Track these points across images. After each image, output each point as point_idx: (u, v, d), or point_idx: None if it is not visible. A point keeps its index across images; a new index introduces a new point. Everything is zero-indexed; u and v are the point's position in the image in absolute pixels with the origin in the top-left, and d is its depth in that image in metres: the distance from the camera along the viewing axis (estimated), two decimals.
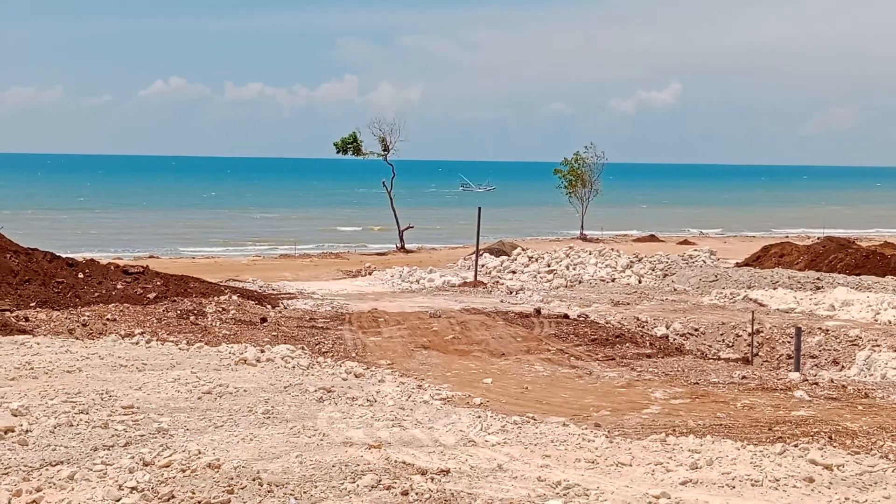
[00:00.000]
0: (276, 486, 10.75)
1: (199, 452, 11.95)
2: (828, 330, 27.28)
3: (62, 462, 11.60)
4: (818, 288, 35.91)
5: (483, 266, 45.54)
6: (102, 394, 15.47)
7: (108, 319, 24.31)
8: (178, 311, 26.10)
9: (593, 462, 12.38)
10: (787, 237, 71.30)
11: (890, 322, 28.58)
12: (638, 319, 29.49)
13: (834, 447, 13.48)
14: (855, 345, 25.93)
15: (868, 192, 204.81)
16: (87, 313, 24.88)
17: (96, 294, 27.88)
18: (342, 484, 10.92)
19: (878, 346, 25.14)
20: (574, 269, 44.94)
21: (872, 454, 13.17)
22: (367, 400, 16.37)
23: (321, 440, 12.94)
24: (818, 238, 60.32)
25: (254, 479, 10.86)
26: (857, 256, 43.65)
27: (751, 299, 33.59)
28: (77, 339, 22.04)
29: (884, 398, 17.95)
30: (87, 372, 17.58)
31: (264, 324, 26.08)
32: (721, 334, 28.08)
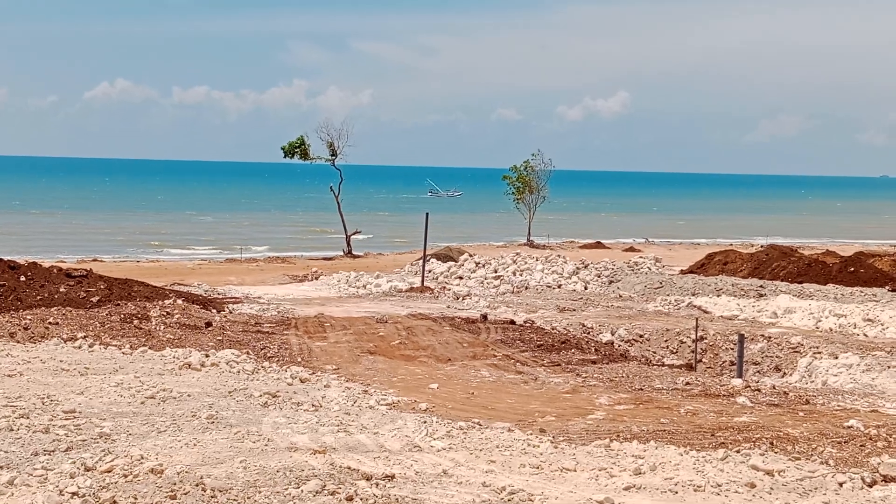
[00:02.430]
0: (220, 491, 10.68)
1: (142, 457, 11.85)
2: (770, 337, 27.58)
3: (1, 467, 11.45)
4: (761, 295, 36.31)
5: (430, 271, 45.56)
6: (44, 398, 15.29)
7: (50, 323, 24.00)
8: (122, 315, 25.82)
9: (538, 467, 12.43)
10: (731, 245, 71.94)
11: (831, 329, 28.95)
12: (583, 325, 29.62)
13: (775, 453, 13.63)
14: (797, 352, 26.23)
15: (811, 202, 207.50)
16: (28, 317, 24.54)
17: (38, 297, 27.53)
18: (286, 489, 10.88)
19: (819, 353, 25.45)
20: (521, 275, 45.10)
21: (813, 460, 13.33)
22: (313, 405, 16.32)
23: (265, 445, 12.88)
24: (762, 246, 60.99)
25: (197, 485, 10.78)
26: (800, 265, 44.19)
27: (695, 306, 33.88)
28: (18, 342, 21.74)
29: (824, 405, 18.17)
30: (28, 376, 17.37)
31: (209, 328, 25.87)
32: (665, 341, 28.28)
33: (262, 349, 23.38)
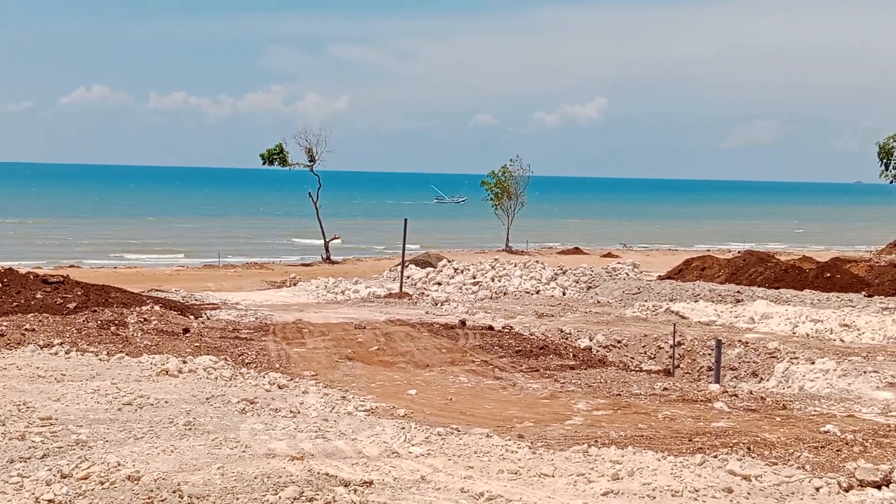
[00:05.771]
0: (197, 498, 10.64)
1: (119, 464, 11.79)
2: (747, 342, 27.69)
3: None
4: (738, 301, 36.44)
5: (409, 277, 45.52)
6: (20, 405, 15.20)
7: (26, 329, 23.87)
8: (99, 322, 25.70)
9: (516, 473, 12.43)
10: (708, 251, 72.10)
11: (808, 335, 29.07)
12: (562, 331, 29.68)
13: (752, 458, 13.68)
14: (774, 357, 26.34)
15: (786, 207, 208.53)
16: (4, 323, 24.41)
17: (14, 304, 27.39)
18: (264, 496, 10.84)
19: (797, 358, 25.55)
20: (499, 280, 45.10)
21: (790, 465, 13.39)
22: (291, 411, 16.28)
23: (243, 452, 12.84)
24: (739, 252, 61.17)
25: (174, 492, 10.74)
26: (777, 270, 44.32)
27: (673, 312, 33.98)
28: None
29: (801, 410, 18.25)
30: (3, 383, 17.26)
31: (187, 334, 25.79)
32: (643, 346, 28.36)
33: (239, 355, 23.32)
